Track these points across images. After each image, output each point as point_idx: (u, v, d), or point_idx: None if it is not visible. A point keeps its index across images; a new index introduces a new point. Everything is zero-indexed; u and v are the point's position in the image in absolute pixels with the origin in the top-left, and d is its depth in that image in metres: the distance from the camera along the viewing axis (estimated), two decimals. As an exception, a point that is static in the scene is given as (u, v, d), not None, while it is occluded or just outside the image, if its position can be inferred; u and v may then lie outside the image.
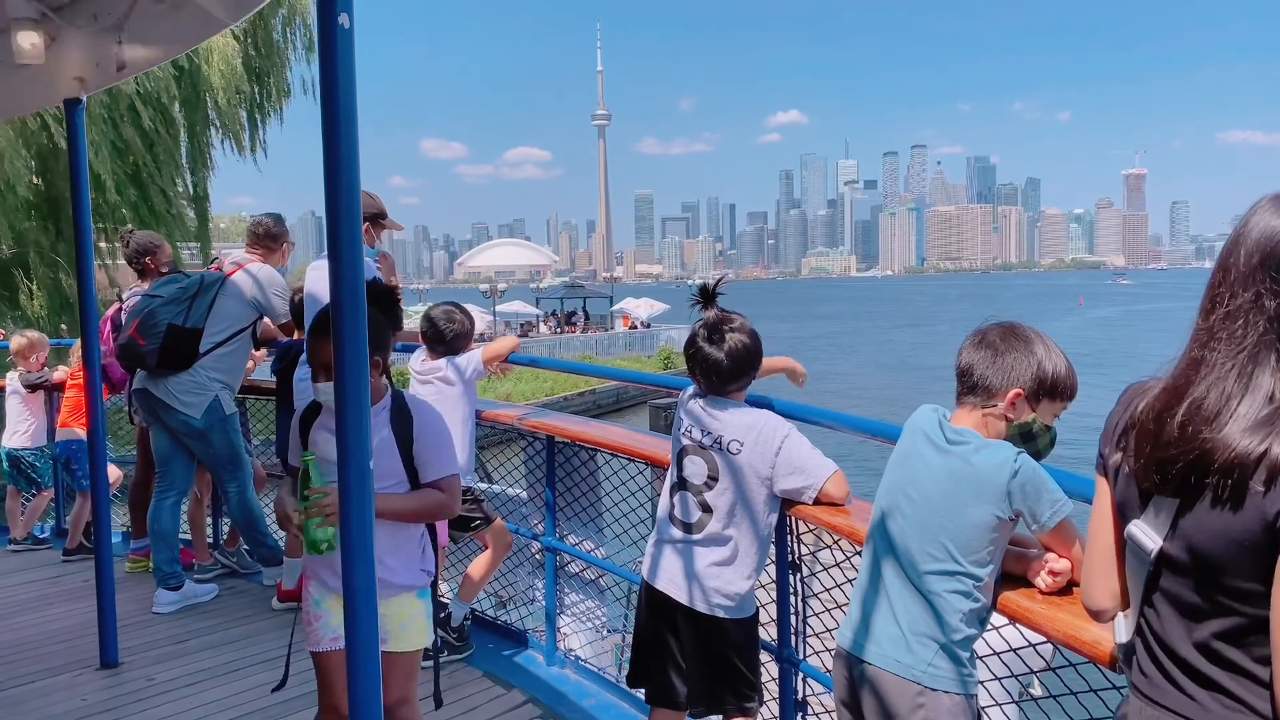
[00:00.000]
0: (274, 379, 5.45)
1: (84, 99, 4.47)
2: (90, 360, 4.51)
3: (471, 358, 4.51)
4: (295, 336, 5.57)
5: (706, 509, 3.07)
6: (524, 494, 4.92)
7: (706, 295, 3.27)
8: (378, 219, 5.33)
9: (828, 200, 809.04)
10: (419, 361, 4.60)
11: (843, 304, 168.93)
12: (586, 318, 51.89)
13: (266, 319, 5.61)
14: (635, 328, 48.60)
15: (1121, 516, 1.61)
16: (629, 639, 5.40)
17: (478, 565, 4.53)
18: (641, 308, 50.85)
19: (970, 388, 2.32)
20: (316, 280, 4.75)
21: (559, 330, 48.27)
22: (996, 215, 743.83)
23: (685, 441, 3.18)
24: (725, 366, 3.06)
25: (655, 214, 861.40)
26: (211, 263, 5.76)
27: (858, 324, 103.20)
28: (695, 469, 3.12)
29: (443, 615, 4.42)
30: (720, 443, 3.06)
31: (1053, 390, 2.30)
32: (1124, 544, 1.61)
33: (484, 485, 5.26)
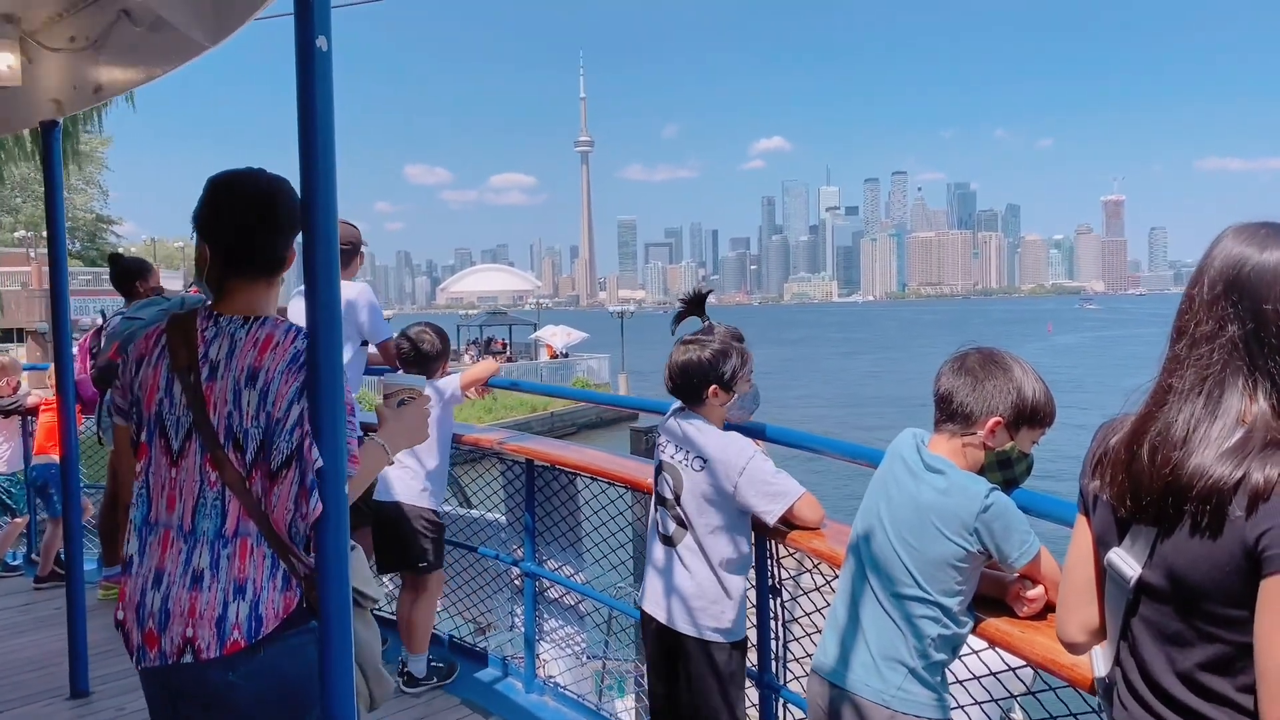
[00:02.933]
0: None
1: (60, 121, 4.44)
2: (64, 385, 4.45)
3: (450, 382, 4.48)
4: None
5: (681, 523, 3.08)
6: (502, 518, 4.89)
7: (694, 303, 3.28)
8: (360, 245, 5.31)
9: (810, 226, 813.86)
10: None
11: (812, 329, 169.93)
12: (507, 346, 50.10)
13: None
14: (557, 356, 47.54)
15: (1101, 546, 1.61)
16: (609, 666, 5.37)
17: (420, 611, 4.41)
18: (558, 336, 49.19)
19: (949, 415, 2.30)
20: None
21: (479, 359, 46.67)
22: (977, 241, 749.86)
23: (661, 456, 3.20)
24: (673, 373, 3.12)
25: (639, 240, 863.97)
26: (191, 285, 5.72)
27: (819, 349, 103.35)
28: (666, 485, 3.14)
29: (403, 673, 4.36)
30: (687, 459, 3.08)
31: (1032, 418, 2.29)
32: (1103, 576, 1.60)
33: (462, 511, 5.22)
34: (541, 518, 4.45)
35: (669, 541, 3.11)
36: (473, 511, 5.13)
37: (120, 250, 6.46)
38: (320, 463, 2.10)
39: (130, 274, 5.86)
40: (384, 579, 4.88)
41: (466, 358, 45.07)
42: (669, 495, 3.11)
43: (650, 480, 3.37)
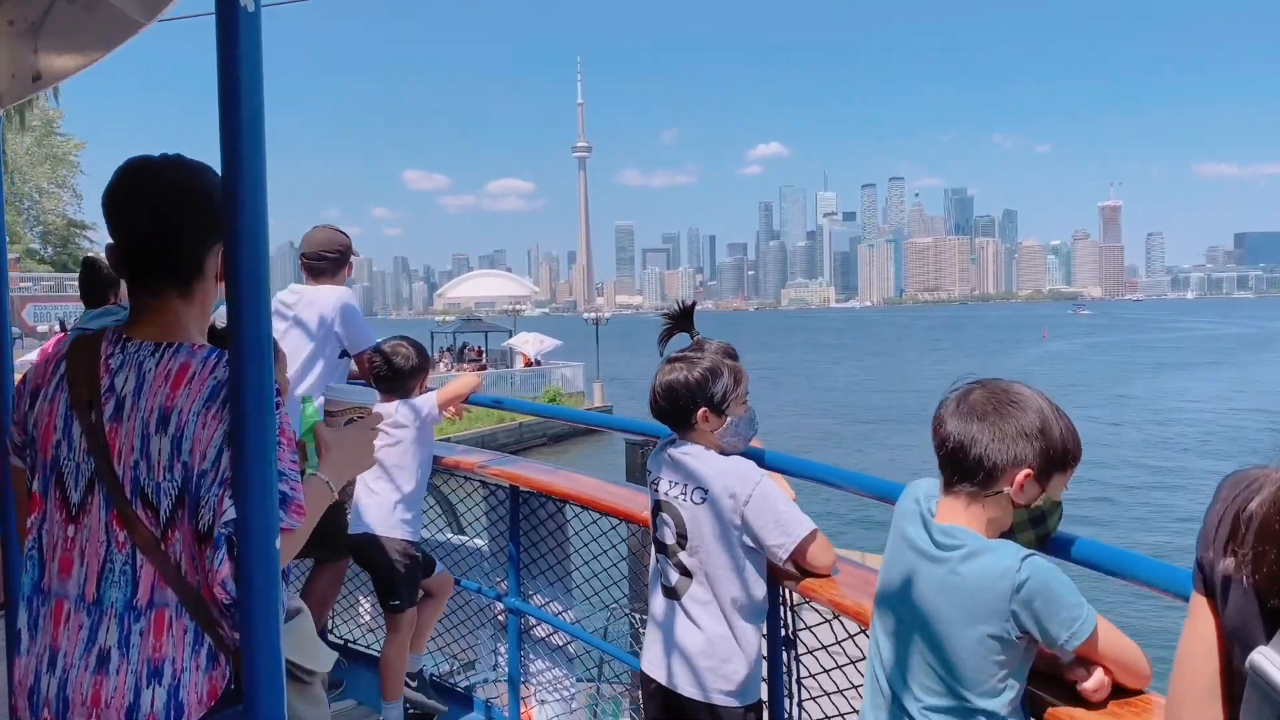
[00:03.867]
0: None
1: (0, 114, 4.05)
2: (1, 401, 4.05)
3: (427, 400, 4.09)
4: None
5: (684, 571, 2.68)
6: (485, 546, 4.50)
7: (682, 317, 2.90)
8: (350, 253, 4.93)
9: (807, 232, 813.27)
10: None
11: (805, 335, 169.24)
12: (482, 354, 48.77)
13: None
14: (532, 364, 46.37)
15: (1235, 641, 1.22)
16: (603, 690, 4.97)
17: (391, 654, 4.02)
18: (530, 344, 47.58)
19: (963, 473, 1.89)
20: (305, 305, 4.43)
21: (453, 367, 44.71)
22: (974, 247, 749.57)
23: (655, 495, 2.81)
24: (658, 395, 2.75)
25: (636, 245, 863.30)
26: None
27: (810, 355, 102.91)
28: (666, 527, 2.74)
29: None
30: (685, 492, 2.68)
31: (1064, 460, 1.90)
32: (1232, 677, 1.22)
33: (443, 538, 4.83)
34: (527, 548, 4.06)
35: (672, 594, 2.71)
36: (453, 538, 4.75)
37: (95, 255, 6.01)
38: (229, 514, 1.71)
39: (105, 283, 5.43)
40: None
41: (441, 365, 44.05)
42: (670, 539, 2.72)
43: (646, 513, 2.99)
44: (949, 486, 1.95)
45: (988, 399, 1.92)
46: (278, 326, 4.60)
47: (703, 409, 2.70)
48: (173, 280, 1.82)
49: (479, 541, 4.55)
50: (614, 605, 3.89)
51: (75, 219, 53.45)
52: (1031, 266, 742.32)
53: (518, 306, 57.21)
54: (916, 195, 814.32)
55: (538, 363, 46.39)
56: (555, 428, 38.27)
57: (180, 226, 1.81)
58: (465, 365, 45.94)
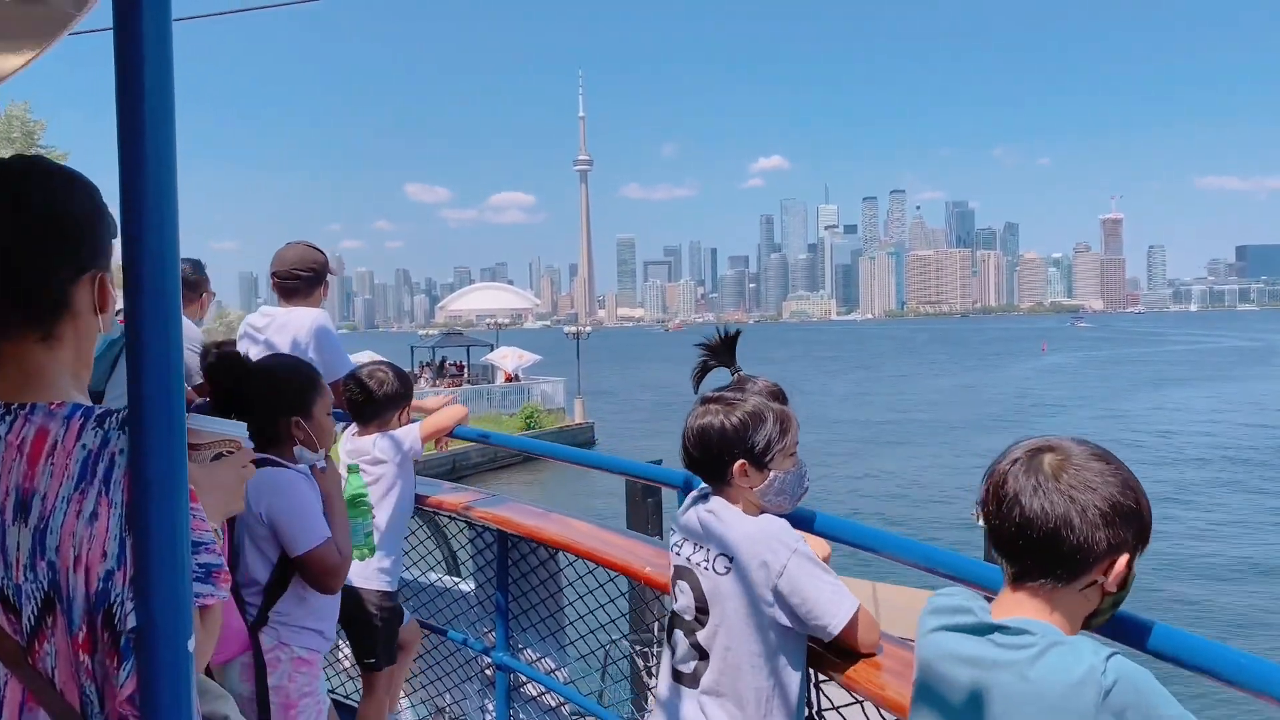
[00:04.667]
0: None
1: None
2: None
3: (409, 432, 3.71)
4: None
5: (701, 654, 2.28)
6: (471, 587, 4.12)
7: (722, 349, 2.52)
8: (326, 271, 4.56)
9: (808, 244, 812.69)
10: (347, 438, 3.80)
11: (802, 348, 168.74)
12: (463, 368, 47.40)
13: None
14: (513, 380, 45.06)
15: None
16: None
17: (374, 713, 3.66)
18: (508, 358, 45.88)
19: (1050, 565, 1.54)
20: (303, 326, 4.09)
21: (434, 383, 43.35)
22: (975, 259, 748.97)
23: (674, 560, 2.41)
24: (689, 441, 2.33)
25: (637, 258, 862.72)
26: (115, 314, 4.95)
27: (805, 368, 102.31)
28: (684, 598, 2.34)
29: None
30: (707, 559, 2.27)
31: (1148, 530, 1.57)
32: None
33: (426, 581, 4.44)
34: (517, 598, 3.68)
35: (684, 680, 2.29)
36: (441, 579, 4.36)
37: None
38: (133, 622, 1.34)
39: None
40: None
41: (421, 381, 42.74)
42: (687, 614, 2.31)
43: (649, 569, 2.61)
44: (1021, 580, 1.58)
45: (1067, 466, 1.56)
46: (248, 352, 4.25)
47: (741, 461, 2.28)
48: (28, 321, 1.43)
49: (466, 586, 4.17)
50: (612, 666, 3.50)
51: None
52: (1033, 279, 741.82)
53: (500, 321, 56.01)
54: (918, 208, 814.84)
55: (517, 378, 45.41)
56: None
57: (33, 253, 1.43)
58: (446, 381, 45.04)
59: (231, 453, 1.78)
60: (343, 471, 3.32)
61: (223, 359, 2.87)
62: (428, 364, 47.41)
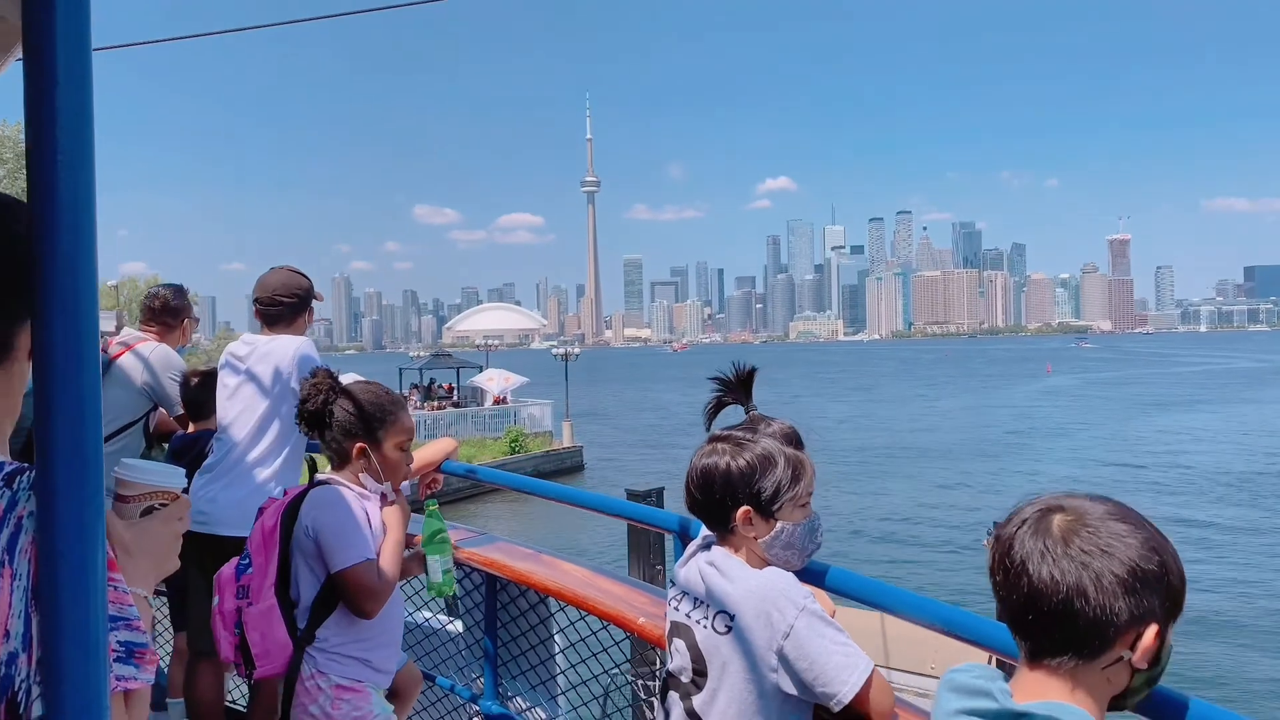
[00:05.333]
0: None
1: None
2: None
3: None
4: (190, 429, 4.62)
5: None
6: (459, 627, 3.93)
7: (737, 385, 2.34)
8: (311, 297, 4.39)
9: (815, 265, 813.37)
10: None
11: (804, 368, 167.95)
12: (453, 390, 46.77)
13: (162, 409, 4.66)
14: (502, 402, 44.39)
15: None
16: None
17: None
18: (495, 381, 45.38)
19: (1066, 641, 1.36)
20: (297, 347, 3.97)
21: (422, 405, 42.95)
22: (983, 280, 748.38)
23: (670, 614, 2.21)
24: (692, 482, 2.16)
25: (644, 278, 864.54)
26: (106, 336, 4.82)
27: (803, 389, 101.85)
28: (680, 658, 2.14)
29: None
30: (706, 616, 2.09)
31: (1183, 595, 1.40)
32: None
33: (431, 619, 4.25)
34: (506, 643, 3.49)
35: None
36: (428, 620, 4.17)
37: None
38: (40, 710, 1.18)
39: None
40: None
41: (410, 403, 41.70)
42: (683, 675, 2.12)
43: (644, 620, 2.43)
44: (1038, 657, 1.40)
45: (1080, 529, 1.38)
46: (228, 382, 4.10)
47: (744, 508, 2.10)
48: None
49: (456, 627, 3.98)
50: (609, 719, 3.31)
51: None
52: (1040, 300, 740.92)
53: (506, 341, 55.76)
54: (924, 229, 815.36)
55: (505, 400, 44.80)
56: (525, 468, 36.02)
57: None
58: (435, 404, 44.68)
59: (165, 504, 1.60)
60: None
61: (317, 377, 2.94)
62: (416, 386, 46.81)
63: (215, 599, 2.92)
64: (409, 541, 3.01)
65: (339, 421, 2.88)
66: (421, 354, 60.46)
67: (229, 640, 2.82)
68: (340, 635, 2.78)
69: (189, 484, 4.11)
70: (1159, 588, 1.36)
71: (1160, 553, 1.38)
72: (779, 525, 2.11)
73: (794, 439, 2.33)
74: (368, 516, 2.84)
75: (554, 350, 52.11)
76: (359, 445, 2.87)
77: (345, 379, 3.31)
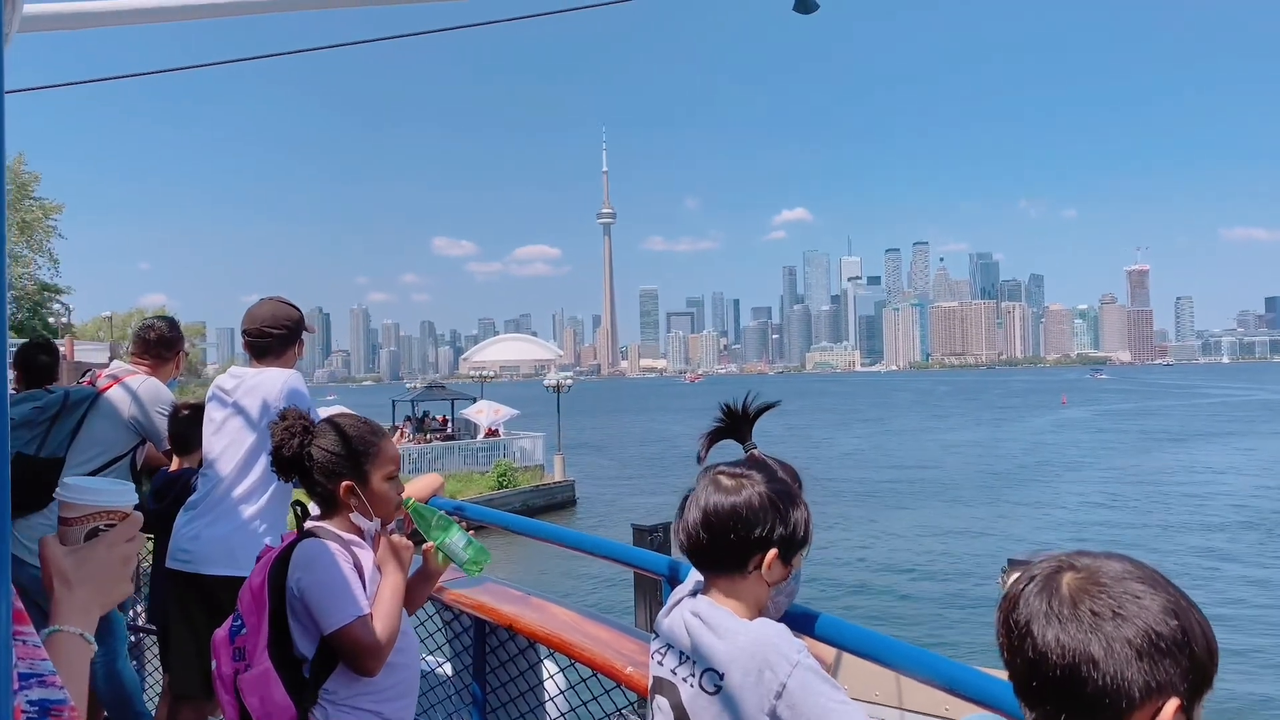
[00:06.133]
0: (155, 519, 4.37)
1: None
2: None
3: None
4: (174, 466, 4.51)
5: None
6: (449, 669, 3.78)
7: (742, 420, 2.20)
8: (301, 329, 4.28)
9: (831, 296, 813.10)
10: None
11: (816, 399, 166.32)
12: (446, 423, 46.02)
13: (150, 444, 4.55)
14: (495, 434, 43.39)
15: None
16: None
17: None
18: (484, 413, 44.21)
19: (1068, 710, 1.24)
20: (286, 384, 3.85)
21: (415, 439, 42.27)
22: (1000, 311, 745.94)
23: (654, 668, 2.06)
24: (699, 525, 1.98)
25: (660, 309, 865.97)
26: (83, 375, 4.72)
27: (813, 419, 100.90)
28: (663, 716, 1.99)
29: None
30: (692, 673, 1.93)
31: (1211, 669, 1.26)
32: None
33: (431, 662, 4.10)
34: (495, 689, 3.34)
35: None
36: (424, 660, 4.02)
37: (60, 325, 5.33)
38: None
39: (42, 367, 4.83)
40: None
41: (402, 437, 41.78)
42: None
43: (632, 669, 2.28)
44: None
45: (1091, 588, 1.25)
46: (214, 416, 3.99)
47: (773, 550, 1.95)
48: None
49: (446, 670, 3.83)
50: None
51: (50, 284, 52.80)
52: (1059, 331, 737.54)
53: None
54: (941, 260, 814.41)
55: (496, 432, 43.88)
56: (513, 503, 35.17)
57: None
58: (428, 436, 43.93)
59: (111, 525, 1.47)
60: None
61: (287, 419, 2.78)
62: (409, 418, 45.99)
63: (214, 662, 2.77)
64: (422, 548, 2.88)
65: (319, 463, 2.73)
66: (417, 385, 59.98)
67: (231, 704, 2.67)
68: (348, 688, 2.61)
69: (172, 523, 4.00)
70: (1180, 656, 1.22)
71: (1181, 617, 1.24)
72: (792, 571, 1.98)
73: (794, 477, 2.18)
74: (358, 565, 2.68)
75: (545, 382, 50.73)
76: (345, 484, 2.72)
77: (328, 411, 3.19)
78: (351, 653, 2.56)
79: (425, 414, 46.90)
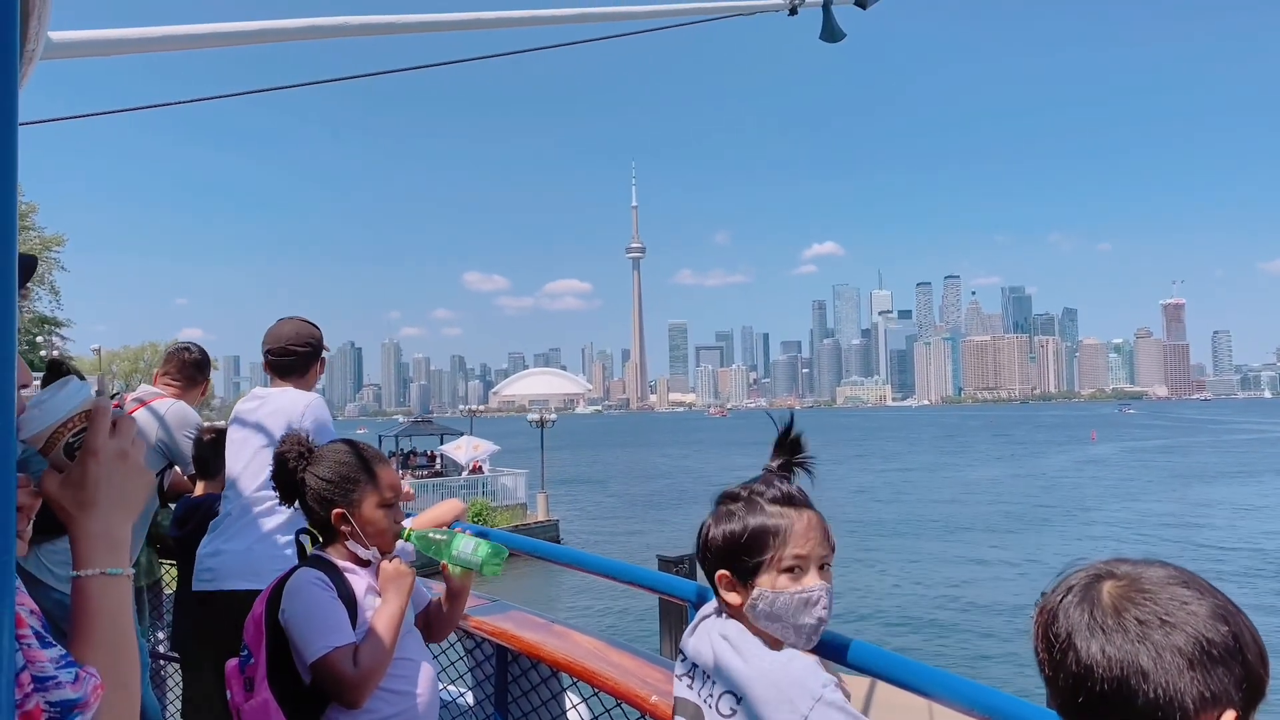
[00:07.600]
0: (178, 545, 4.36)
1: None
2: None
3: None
4: (199, 491, 4.49)
5: None
6: (470, 698, 3.70)
7: (786, 444, 2.12)
8: (322, 347, 4.28)
9: (861, 330, 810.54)
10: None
11: (838, 434, 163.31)
12: (435, 459, 45.10)
13: (177, 467, 4.55)
14: (478, 471, 42.45)
15: None
16: None
17: None
18: (463, 449, 43.32)
19: None
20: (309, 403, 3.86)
21: (402, 474, 41.42)
22: (1033, 345, 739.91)
23: (676, 687, 2.00)
24: (706, 544, 1.98)
25: (689, 343, 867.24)
26: (111, 398, 4.72)
27: (826, 454, 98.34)
28: None
29: None
30: (712, 694, 1.86)
31: (1264, 678, 1.19)
32: None
33: (452, 692, 4.03)
34: (518, 719, 3.26)
35: None
36: (441, 689, 3.94)
37: (60, 356, 5.42)
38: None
39: None
40: None
41: None
42: None
43: (656, 698, 2.20)
44: None
45: (1134, 595, 1.18)
46: (236, 437, 3.98)
47: (721, 571, 1.92)
48: None
49: (468, 700, 3.75)
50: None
51: (49, 316, 53.17)
52: (1093, 365, 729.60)
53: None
54: (973, 293, 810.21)
55: (481, 469, 43.04)
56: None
57: None
58: (415, 473, 42.92)
59: (85, 428, 1.38)
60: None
61: (286, 444, 2.77)
62: (395, 454, 44.89)
63: (228, 692, 2.74)
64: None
65: (312, 490, 2.71)
66: (406, 419, 59.78)
67: None
68: (347, 714, 2.56)
69: (195, 549, 3.97)
70: (1233, 664, 1.15)
71: (1231, 622, 1.17)
72: (754, 594, 1.88)
73: (796, 499, 2.10)
74: (349, 595, 2.63)
75: (529, 417, 48.55)
76: (336, 511, 2.69)
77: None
78: (328, 685, 2.51)
79: (412, 450, 46.16)
